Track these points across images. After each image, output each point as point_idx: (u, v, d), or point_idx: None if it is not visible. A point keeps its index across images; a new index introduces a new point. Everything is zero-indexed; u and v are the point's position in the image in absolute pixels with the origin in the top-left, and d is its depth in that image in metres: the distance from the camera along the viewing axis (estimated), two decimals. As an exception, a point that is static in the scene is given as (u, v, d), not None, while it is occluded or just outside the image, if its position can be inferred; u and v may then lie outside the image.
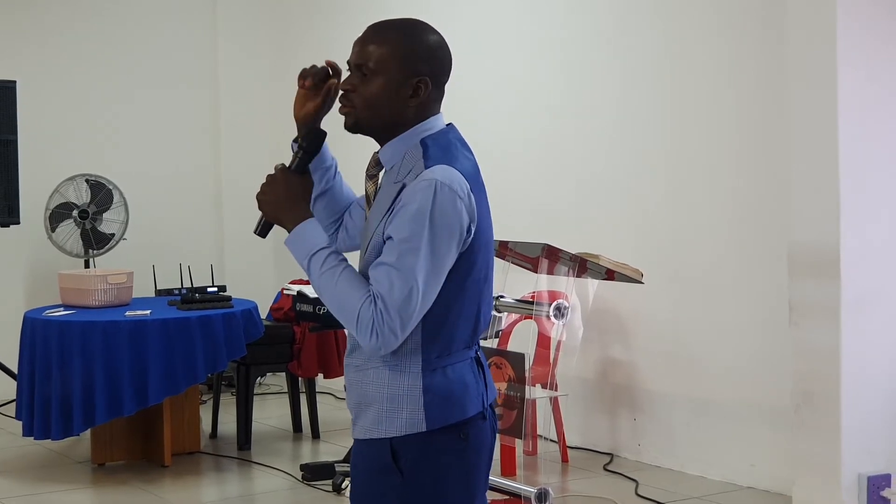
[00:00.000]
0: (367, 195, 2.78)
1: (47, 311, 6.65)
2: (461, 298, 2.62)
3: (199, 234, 9.24)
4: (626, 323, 6.61)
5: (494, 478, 5.37)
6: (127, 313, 6.49)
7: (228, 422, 7.37)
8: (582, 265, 4.94)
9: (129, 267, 7.31)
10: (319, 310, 6.56)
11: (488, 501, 2.84)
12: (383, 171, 2.74)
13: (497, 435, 2.78)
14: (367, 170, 2.77)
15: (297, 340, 7.16)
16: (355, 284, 2.57)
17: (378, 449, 2.64)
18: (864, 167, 5.20)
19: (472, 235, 2.59)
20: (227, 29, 9.37)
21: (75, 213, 8.16)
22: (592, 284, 5.15)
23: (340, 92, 2.73)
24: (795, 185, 5.32)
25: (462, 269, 2.61)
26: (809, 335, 5.26)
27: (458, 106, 7.89)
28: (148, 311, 6.53)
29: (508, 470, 5.91)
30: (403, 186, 2.60)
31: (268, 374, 8.46)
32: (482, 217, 2.64)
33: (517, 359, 5.12)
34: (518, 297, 5.27)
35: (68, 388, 6.26)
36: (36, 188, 8.10)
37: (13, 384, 7.04)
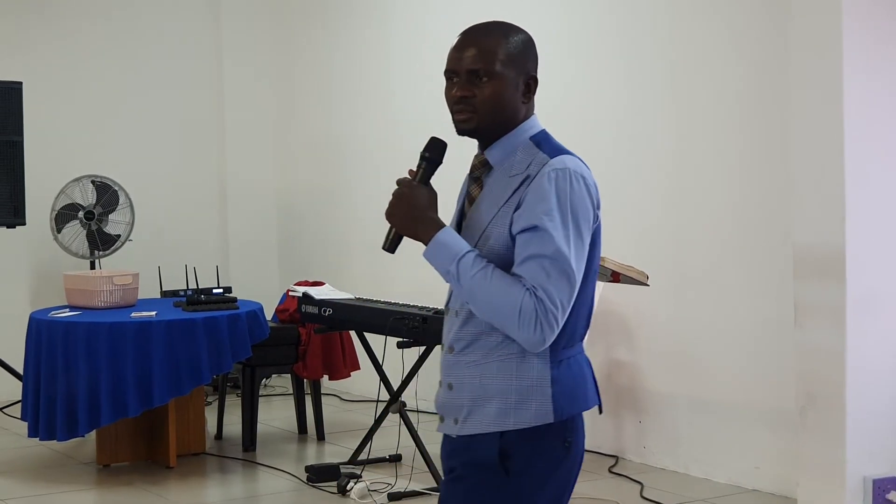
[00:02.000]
0: (470, 196, 2.78)
1: (53, 312, 6.66)
2: (583, 289, 2.66)
3: (204, 235, 9.25)
4: (630, 325, 6.61)
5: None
6: (132, 314, 6.50)
7: (233, 423, 7.37)
8: (587, 267, 4.93)
9: (134, 268, 7.33)
10: (325, 311, 6.57)
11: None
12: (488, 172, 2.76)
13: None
14: (472, 172, 2.79)
15: (302, 342, 7.16)
16: (509, 281, 2.57)
17: (490, 444, 2.65)
18: (868, 168, 5.19)
19: (596, 223, 2.66)
20: (232, 31, 9.39)
21: (81, 214, 8.16)
22: (597, 286, 5.14)
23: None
24: (800, 186, 5.32)
25: (587, 261, 2.65)
26: (814, 337, 5.26)
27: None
28: (153, 313, 6.53)
29: (513, 472, 5.91)
30: (526, 178, 2.63)
31: (273, 375, 8.45)
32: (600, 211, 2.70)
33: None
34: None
35: (73, 388, 6.27)
36: (42, 189, 8.11)
37: (18, 385, 7.05)
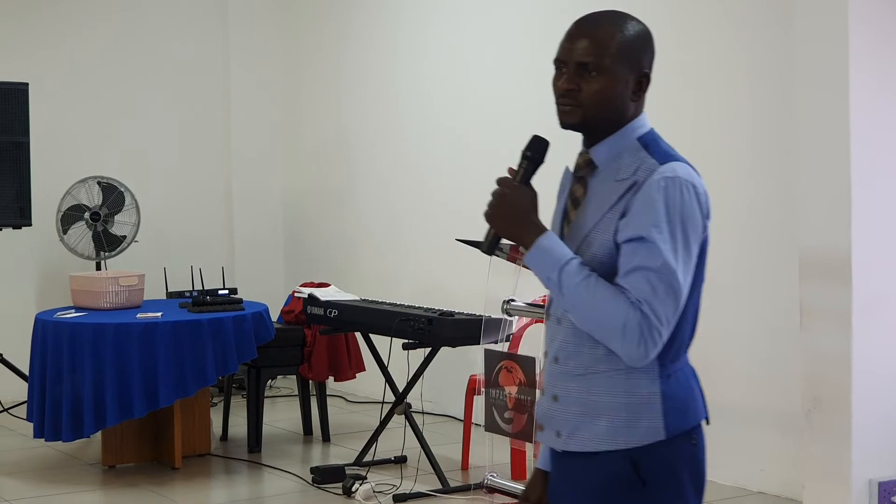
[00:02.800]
0: (573, 196, 2.66)
1: (59, 313, 6.67)
2: (690, 302, 2.57)
3: (210, 236, 9.26)
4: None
5: (504, 481, 5.38)
6: (138, 315, 6.50)
7: (239, 424, 7.38)
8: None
9: (140, 269, 7.33)
10: (330, 312, 6.57)
11: None
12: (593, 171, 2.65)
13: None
14: (576, 171, 2.67)
15: (307, 343, 7.17)
16: (613, 292, 2.46)
17: (612, 461, 2.53)
18: (875, 172, 5.19)
19: (706, 233, 2.55)
20: (238, 32, 9.38)
21: (87, 215, 8.17)
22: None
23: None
24: (806, 190, 5.31)
25: (694, 272, 2.56)
26: (820, 339, 5.25)
27: (472, 109, 7.95)
28: (159, 314, 6.54)
29: (519, 474, 5.91)
30: (633, 184, 2.52)
31: (278, 376, 8.47)
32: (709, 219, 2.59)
33: (528, 362, 5.12)
34: (529, 301, 5.27)
35: (79, 389, 6.28)
36: (48, 190, 8.11)
37: (24, 386, 7.05)
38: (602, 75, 2.57)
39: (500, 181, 2.63)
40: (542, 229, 2.56)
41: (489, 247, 2.69)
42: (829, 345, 5.21)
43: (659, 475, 2.54)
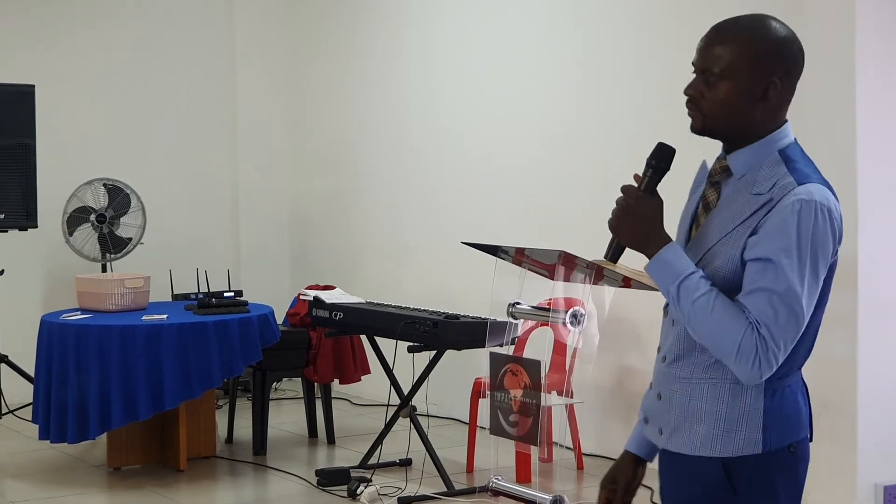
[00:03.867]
0: (705, 201, 2.64)
1: (64, 315, 6.67)
2: (811, 322, 2.51)
3: (215, 239, 9.26)
4: (642, 331, 6.60)
5: (509, 484, 5.38)
6: (144, 317, 6.51)
7: (244, 427, 7.38)
8: (598, 272, 4.93)
9: (146, 271, 7.34)
10: (335, 315, 6.57)
11: None
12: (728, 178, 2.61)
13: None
14: (711, 176, 2.64)
15: (313, 346, 7.17)
16: (732, 312, 2.43)
17: (708, 467, 2.54)
18: (880, 176, 5.19)
19: (836, 255, 2.52)
20: (245, 36, 9.39)
21: (93, 217, 8.17)
22: (609, 292, 5.14)
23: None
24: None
25: (819, 293, 2.52)
26: (826, 344, 5.22)
27: (479, 113, 7.94)
28: (164, 316, 6.54)
29: (524, 477, 5.91)
30: (768, 201, 2.47)
31: (283, 379, 8.47)
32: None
33: (533, 366, 5.12)
34: (534, 304, 5.27)
35: (84, 391, 6.28)
36: (54, 192, 8.12)
37: (30, 388, 7.06)
38: (723, 82, 2.53)
39: (625, 189, 2.58)
40: (665, 241, 2.54)
41: (612, 255, 2.67)
42: (835, 349, 5.21)
43: (753, 484, 2.53)
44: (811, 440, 2.62)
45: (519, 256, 5.16)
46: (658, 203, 2.58)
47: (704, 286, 2.47)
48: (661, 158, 2.61)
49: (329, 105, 9.12)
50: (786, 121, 2.59)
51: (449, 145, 8.02)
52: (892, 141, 5.21)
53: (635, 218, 2.56)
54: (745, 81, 2.52)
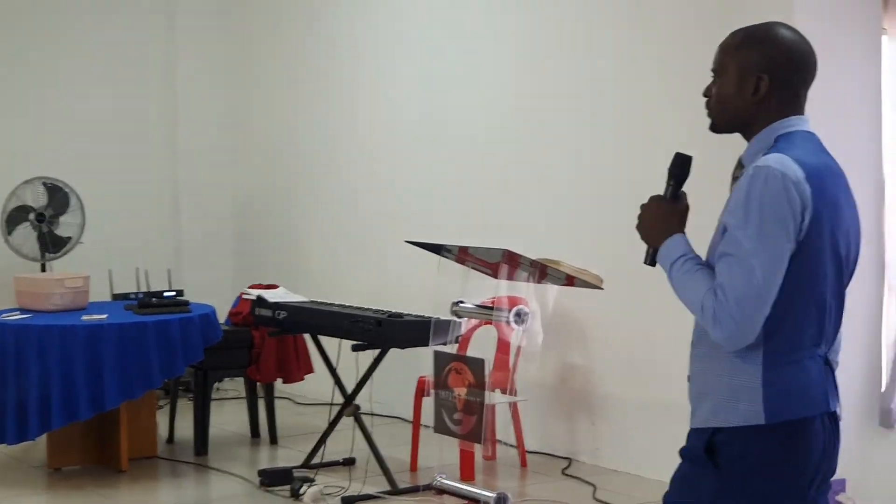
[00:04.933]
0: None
1: (3, 315, 6.60)
2: (803, 291, 2.63)
3: (156, 238, 9.20)
4: (585, 328, 6.63)
5: (453, 482, 5.38)
6: (83, 317, 6.45)
7: (185, 427, 7.33)
8: (542, 271, 4.95)
9: (85, 271, 7.27)
10: (279, 314, 6.54)
11: None
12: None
13: (832, 446, 2.74)
14: (733, 172, 2.81)
15: (255, 345, 7.14)
16: (705, 280, 2.64)
17: (702, 438, 2.69)
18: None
19: (805, 221, 2.59)
20: (185, 32, 9.34)
21: (32, 216, 8.10)
22: (552, 290, 5.16)
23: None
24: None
25: (802, 261, 2.61)
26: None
27: (425, 109, 7.94)
28: (105, 316, 6.49)
29: (468, 475, 5.92)
30: (741, 178, 2.66)
31: (225, 378, 8.43)
32: (825, 211, 2.62)
33: (477, 364, 5.13)
34: (478, 303, 5.28)
35: (24, 392, 6.22)
36: (-8, 191, 8.04)
37: (-32, 388, 6.97)
38: (717, 79, 2.78)
39: (651, 197, 2.85)
40: (672, 234, 2.78)
41: (649, 260, 2.87)
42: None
43: (735, 462, 2.65)
44: (824, 425, 2.67)
45: (462, 255, 5.17)
46: (678, 207, 2.83)
47: (690, 265, 2.70)
48: (676, 166, 2.86)
49: (270, 102, 9.08)
50: (798, 115, 2.75)
51: (392, 143, 8.01)
52: (829, 138, 5.25)
53: (649, 219, 2.83)
54: (734, 76, 2.73)
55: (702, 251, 2.79)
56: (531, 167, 6.95)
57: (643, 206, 2.84)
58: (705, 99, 2.81)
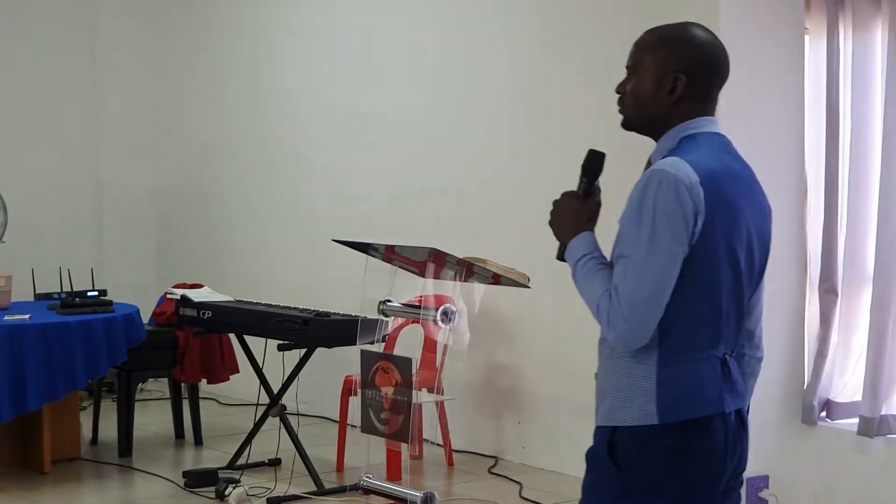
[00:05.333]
0: None
1: (-78, 316, 6.51)
2: (696, 293, 2.64)
3: (78, 237, 9.10)
4: (511, 327, 6.65)
5: (380, 482, 5.38)
6: (5, 318, 6.38)
7: (109, 428, 7.27)
8: (468, 269, 4.96)
9: (7, 270, 7.17)
10: (204, 314, 6.50)
11: None
12: None
13: (732, 444, 2.76)
14: (644, 171, 2.77)
15: (180, 345, 7.09)
16: (604, 282, 2.66)
17: (604, 437, 2.71)
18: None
19: (699, 225, 2.60)
20: (107, 31, 9.24)
21: (-49, 215, 7.98)
22: (479, 289, 5.17)
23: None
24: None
25: (696, 263, 2.62)
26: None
27: (344, 110, 7.92)
28: (27, 316, 6.42)
29: (394, 474, 5.92)
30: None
31: (150, 379, 8.37)
32: (720, 215, 2.63)
33: (404, 363, 5.12)
34: (405, 302, 5.28)
35: (-55, 393, 6.13)
36: (-90, 190, 7.91)
37: None
38: (633, 77, 2.78)
39: (562, 194, 2.85)
40: (578, 232, 2.78)
41: (559, 255, 2.87)
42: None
43: (635, 461, 2.66)
44: (725, 424, 2.69)
45: (389, 254, 5.16)
46: (587, 204, 2.82)
47: (592, 264, 2.71)
48: (589, 163, 2.86)
49: (194, 99, 9.02)
50: (706, 117, 2.76)
51: (316, 142, 7.99)
52: (752, 138, 5.32)
53: (559, 217, 2.83)
54: (652, 75, 2.73)
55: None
56: (457, 165, 6.96)
57: (555, 202, 2.84)
58: (618, 95, 2.81)
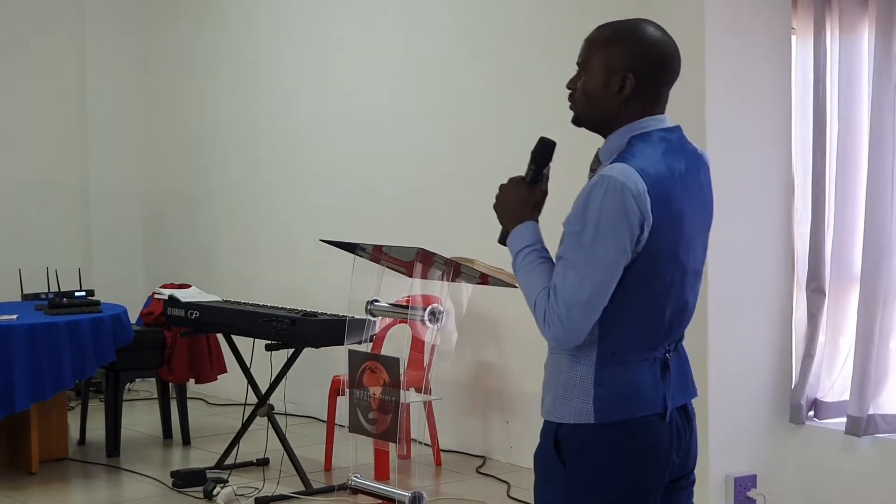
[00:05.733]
0: None
1: None
2: (638, 298, 2.65)
3: (66, 237, 9.09)
4: (499, 327, 6.65)
5: (368, 482, 5.38)
6: (-7, 318, 6.37)
7: (97, 428, 7.26)
8: (456, 269, 4.96)
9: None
10: (191, 314, 6.49)
11: None
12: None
13: (676, 440, 2.76)
14: (591, 165, 2.80)
15: (167, 345, 7.08)
16: (543, 278, 2.67)
17: (550, 433, 2.73)
18: (730, 174, 5.29)
19: (644, 234, 2.60)
20: (96, 33, 9.22)
21: (-62, 215, 7.96)
22: (467, 289, 5.17)
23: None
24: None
25: (639, 270, 2.62)
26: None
27: (333, 110, 7.92)
28: (14, 316, 6.41)
29: (382, 474, 5.92)
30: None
31: (137, 379, 8.36)
32: (665, 224, 2.63)
33: (391, 363, 5.12)
34: (392, 302, 5.28)
35: (-68, 394, 6.12)
36: None
37: None
38: (584, 74, 2.76)
39: (510, 179, 2.84)
40: (522, 220, 2.78)
41: (501, 239, 2.85)
42: (685, 342, 5.30)
43: (579, 458, 2.68)
44: (666, 421, 2.70)
45: (377, 254, 5.16)
46: (533, 191, 2.81)
47: (533, 257, 2.72)
48: (538, 151, 2.85)
49: (180, 102, 9.01)
50: (655, 116, 2.74)
51: (304, 143, 7.98)
52: (740, 138, 5.32)
53: (505, 202, 2.82)
54: (602, 73, 2.71)
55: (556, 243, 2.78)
56: (444, 166, 6.96)
57: (501, 187, 2.83)
58: (569, 91, 2.79)
